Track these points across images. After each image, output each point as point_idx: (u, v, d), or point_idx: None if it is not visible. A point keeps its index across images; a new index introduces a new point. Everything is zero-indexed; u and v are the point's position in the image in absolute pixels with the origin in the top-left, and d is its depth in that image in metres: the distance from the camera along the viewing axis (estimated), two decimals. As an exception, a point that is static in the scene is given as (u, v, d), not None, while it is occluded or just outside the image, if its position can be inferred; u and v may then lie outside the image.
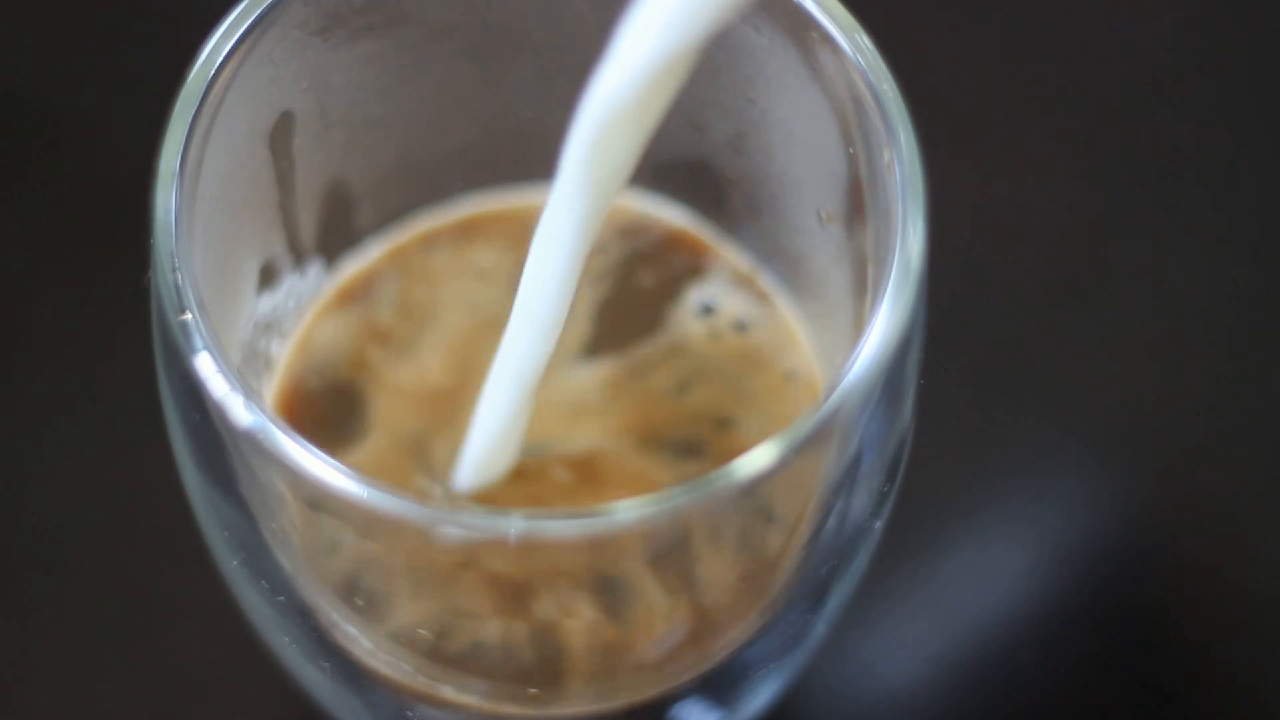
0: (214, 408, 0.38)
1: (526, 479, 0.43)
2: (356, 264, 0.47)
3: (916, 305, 0.39)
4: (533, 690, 0.42)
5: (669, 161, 0.47)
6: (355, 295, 0.46)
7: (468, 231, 0.47)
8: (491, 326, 0.45)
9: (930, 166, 0.40)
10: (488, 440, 0.41)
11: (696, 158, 0.47)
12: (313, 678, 0.46)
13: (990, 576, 0.55)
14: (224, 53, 0.41)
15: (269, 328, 0.46)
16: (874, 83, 0.41)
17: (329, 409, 0.45)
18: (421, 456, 0.44)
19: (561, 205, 0.38)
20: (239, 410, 0.38)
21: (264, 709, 0.53)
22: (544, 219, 0.39)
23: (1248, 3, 0.64)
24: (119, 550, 0.55)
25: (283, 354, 0.46)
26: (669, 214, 0.48)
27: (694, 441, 0.44)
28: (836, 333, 0.45)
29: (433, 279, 0.47)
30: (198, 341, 0.38)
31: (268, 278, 0.46)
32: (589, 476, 0.43)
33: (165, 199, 0.39)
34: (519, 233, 0.47)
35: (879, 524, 0.44)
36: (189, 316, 0.38)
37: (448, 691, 0.42)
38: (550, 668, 0.42)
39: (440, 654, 0.42)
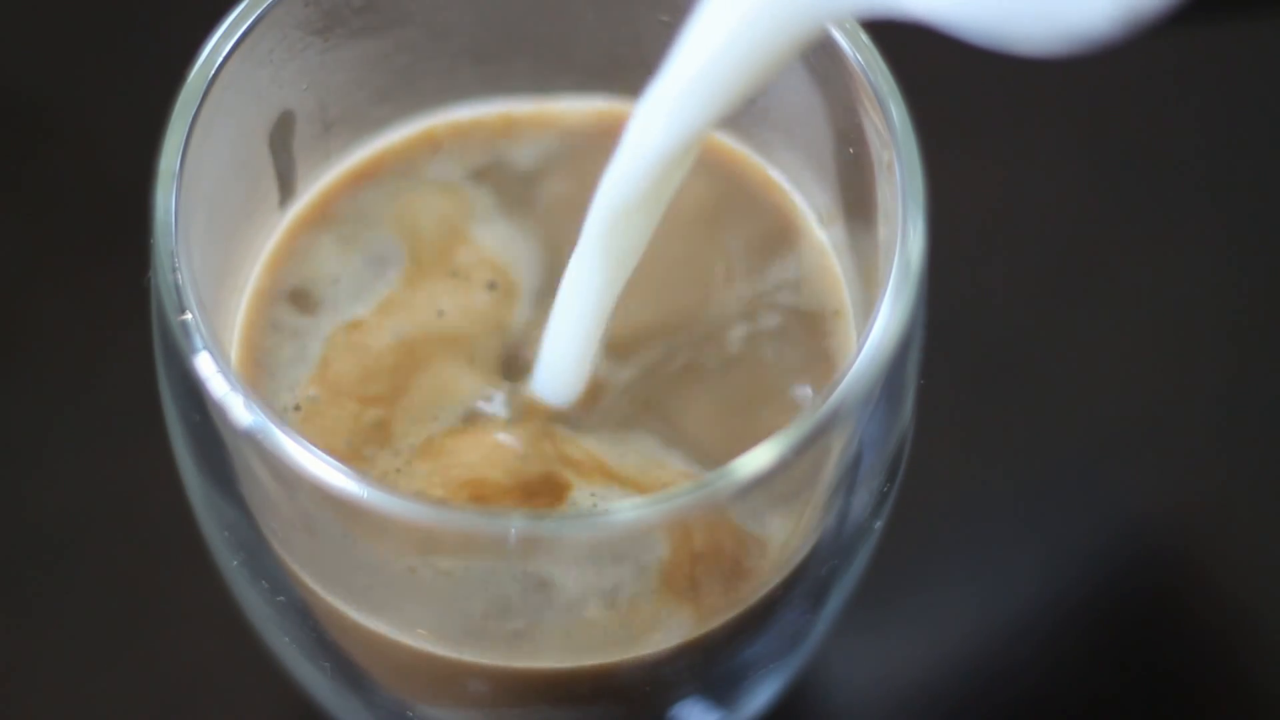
0: (214, 408, 0.38)
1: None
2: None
3: (916, 305, 0.39)
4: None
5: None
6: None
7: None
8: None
9: (930, 166, 0.40)
10: (559, 357, 0.42)
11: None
12: (313, 678, 0.46)
13: (989, 576, 0.55)
14: (224, 53, 0.41)
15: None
16: (874, 83, 0.41)
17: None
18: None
19: (582, 271, 0.40)
20: (239, 410, 0.38)
21: (264, 709, 0.53)
22: (567, 275, 0.41)
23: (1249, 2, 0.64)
24: (119, 550, 0.55)
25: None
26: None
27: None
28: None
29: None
30: (198, 341, 0.38)
31: (268, 278, 0.46)
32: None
33: (165, 199, 0.39)
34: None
35: (879, 524, 0.44)
36: (189, 316, 0.38)
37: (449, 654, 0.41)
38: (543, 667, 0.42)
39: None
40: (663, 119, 0.38)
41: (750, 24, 0.37)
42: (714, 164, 0.45)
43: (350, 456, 0.41)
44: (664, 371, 0.43)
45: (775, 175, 0.45)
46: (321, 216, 0.45)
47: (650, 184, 0.39)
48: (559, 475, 0.41)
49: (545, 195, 0.45)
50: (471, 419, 0.42)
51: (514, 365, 0.43)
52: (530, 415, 0.42)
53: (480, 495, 0.41)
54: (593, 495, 0.41)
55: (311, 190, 0.45)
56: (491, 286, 0.44)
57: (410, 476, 0.41)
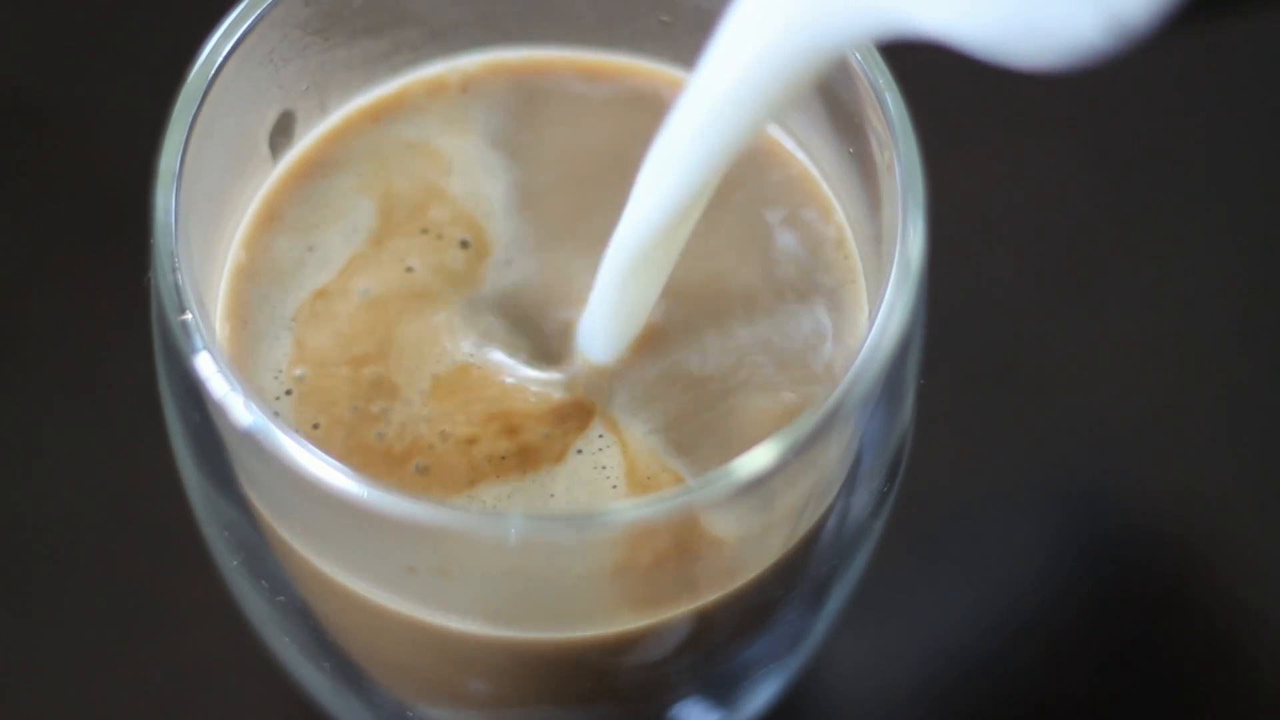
0: (214, 408, 0.38)
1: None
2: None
3: (916, 305, 0.39)
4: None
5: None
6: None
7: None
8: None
9: (930, 166, 0.40)
10: (606, 309, 0.42)
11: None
12: (313, 678, 0.46)
13: (989, 576, 0.55)
14: (224, 53, 0.41)
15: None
16: (874, 82, 0.41)
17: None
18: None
19: (600, 312, 0.41)
20: (239, 410, 0.38)
21: (264, 709, 0.53)
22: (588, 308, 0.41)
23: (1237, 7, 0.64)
24: (119, 550, 0.55)
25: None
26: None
27: None
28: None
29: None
30: (198, 341, 0.38)
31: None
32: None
33: (165, 199, 0.39)
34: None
35: (879, 524, 0.44)
36: (189, 316, 0.38)
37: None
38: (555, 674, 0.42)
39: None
40: (678, 159, 0.39)
41: (765, 62, 0.37)
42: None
43: (360, 419, 0.41)
44: (674, 353, 0.43)
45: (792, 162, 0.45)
46: (271, 215, 0.44)
47: (672, 219, 0.39)
48: (583, 399, 0.41)
49: (521, 150, 0.45)
50: (473, 358, 0.42)
51: (493, 308, 0.43)
52: (537, 348, 0.42)
53: (512, 426, 0.41)
54: (600, 436, 0.41)
55: (278, 170, 0.45)
56: (464, 245, 0.44)
57: (433, 420, 0.41)
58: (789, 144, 0.45)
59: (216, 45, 0.41)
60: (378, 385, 0.41)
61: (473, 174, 0.44)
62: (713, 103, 0.38)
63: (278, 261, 0.43)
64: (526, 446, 0.41)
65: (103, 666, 0.53)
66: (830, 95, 0.42)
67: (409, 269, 0.43)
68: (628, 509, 0.37)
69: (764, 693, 0.48)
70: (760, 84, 0.37)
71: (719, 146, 0.38)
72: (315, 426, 0.41)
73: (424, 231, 0.43)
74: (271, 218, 0.44)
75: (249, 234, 0.44)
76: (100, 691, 0.53)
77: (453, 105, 0.45)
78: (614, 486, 0.40)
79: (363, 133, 0.45)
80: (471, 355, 0.42)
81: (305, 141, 0.45)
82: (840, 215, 0.44)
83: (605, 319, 0.41)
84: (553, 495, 0.40)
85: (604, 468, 0.41)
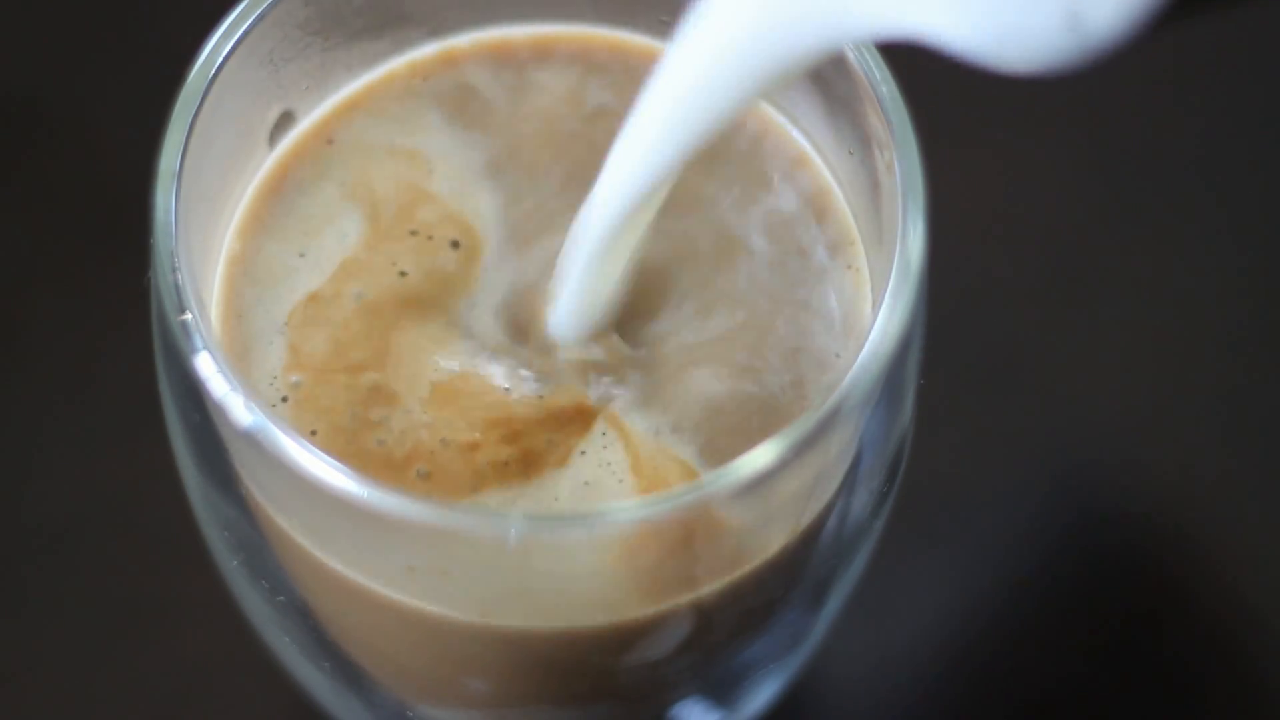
0: (214, 408, 0.38)
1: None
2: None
3: (916, 305, 0.39)
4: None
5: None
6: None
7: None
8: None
9: (930, 166, 0.40)
10: (576, 291, 0.42)
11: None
12: (313, 678, 0.46)
13: (989, 576, 0.55)
14: (224, 53, 0.41)
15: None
16: (874, 82, 0.41)
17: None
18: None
19: (568, 294, 0.41)
20: (239, 410, 0.38)
21: (264, 709, 0.53)
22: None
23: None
24: (119, 550, 0.55)
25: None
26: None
27: None
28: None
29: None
30: (198, 341, 0.38)
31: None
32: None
33: (165, 199, 0.39)
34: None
35: (879, 524, 0.44)
36: (189, 316, 0.38)
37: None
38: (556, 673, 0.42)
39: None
40: (645, 146, 0.39)
41: (737, 60, 0.37)
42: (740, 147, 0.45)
43: (359, 425, 0.41)
44: (674, 349, 0.43)
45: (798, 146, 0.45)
46: (261, 216, 0.44)
47: (638, 203, 0.40)
48: (585, 403, 0.41)
49: (510, 146, 0.45)
50: (471, 363, 0.42)
51: (488, 310, 0.43)
52: (534, 351, 0.42)
53: (513, 432, 0.41)
54: (604, 435, 0.41)
55: (265, 168, 0.45)
56: (455, 245, 0.43)
57: (434, 427, 0.41)
58: (790, 143, 0.45)
59: (216, 45, 0.41)
60: (376, 392, 0.41)
61: (460, 173, 0.44)
62: (683, 95, 0.38)
63: (269, 263, 0.43)
64: (529, 451, 0.41)
65: (103, 666, 0.53)
66: (830, 95, 0.42)
67: (402, 273, 0.43)
68: (627, 509, 0.37)
69: (764, 693, 0.48)
70: (731, 81, 0.38)
71: (686, 136, 0.38)
72: (313, 433, 0.41)
73: (413, 233, 0.43)
74: (261, 218, 0.44)
75: (242, 227, 0.44)
76: (100, 691, 0.53)
77: (443, 103, 0.45)
78: (620, 481, 0.40)
79: (356, 133, 0.45)
80: (470, 360, 0.42)
81: (302, 139, 0.45)
82: (840, 214, 0.44)
83: (573, 301, 0.41)
84: (556, 499, 0.40)
85: (609, 464, 0.41)
